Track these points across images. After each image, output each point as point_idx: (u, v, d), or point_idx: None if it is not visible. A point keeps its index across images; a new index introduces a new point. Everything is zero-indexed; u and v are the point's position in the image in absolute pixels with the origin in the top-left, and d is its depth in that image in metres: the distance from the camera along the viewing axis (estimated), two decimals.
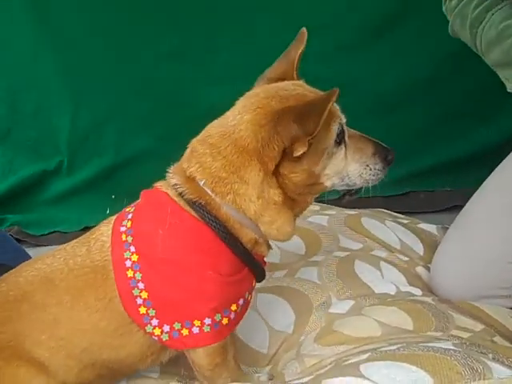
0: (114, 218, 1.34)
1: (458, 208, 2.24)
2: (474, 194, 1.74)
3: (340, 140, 1.24)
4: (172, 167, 1.31)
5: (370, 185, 1.29)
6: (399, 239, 1.86)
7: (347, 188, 1.31)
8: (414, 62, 2.45)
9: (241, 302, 1.28)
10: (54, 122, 2.68)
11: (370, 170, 1.28)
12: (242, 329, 1.51)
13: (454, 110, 2.51)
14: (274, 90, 1.26)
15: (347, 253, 1.76)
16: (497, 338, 1.38)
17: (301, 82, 1.32)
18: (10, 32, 2.51)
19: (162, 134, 2.60)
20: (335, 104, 1.23)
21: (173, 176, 1.28)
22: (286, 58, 1.36)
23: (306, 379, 1.16)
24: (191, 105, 2.50)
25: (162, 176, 1.34)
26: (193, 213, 1.22)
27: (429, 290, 1.67)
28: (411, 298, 1.56)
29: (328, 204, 1.99)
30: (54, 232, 2.81)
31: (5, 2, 2.45)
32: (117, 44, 2.48)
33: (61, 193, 2.82)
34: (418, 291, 1.61)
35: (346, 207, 1.99)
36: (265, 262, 1.34)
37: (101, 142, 2.70)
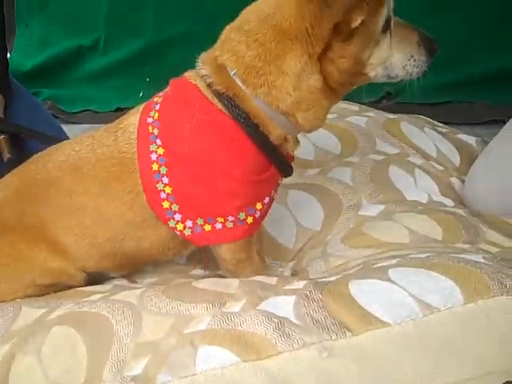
0: (142, 106, 1.30)
1: (497, 122, 2.18)
2: None
3: (386, 27, 1.17)
4: (203, 54, 1.25)
5: (413, 77, 1.23)
6: (436, 147, 1.82)
7: (388, 81, 1.25)
8: None
9: (266, 200, 1.26)
10: None
11: (415, 60, 1.22)
12: (270, 223, 1.51)
13: (501, 21, 2.40)
14: None
15: (383, 157, 1.73)
16: None
17: None
18: None
19: (200, 17, 2.53)
20: None
21: (202, 65, 1.22)
22: None
23: (332, 278, 1.16)
24: None
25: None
26: (220, 106, 1.17)
27: (460, 202, 1.64)
28: (443, 208, 1.54)
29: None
30: (87, 110, 2.81)
31: None
32: None
33: (96, 71, 2.81)
34: (449, 202, 1.59)
35: (384, 111, 1.95)
36: (292, 157, 1.30)
37: (139, 22, 2.65)
